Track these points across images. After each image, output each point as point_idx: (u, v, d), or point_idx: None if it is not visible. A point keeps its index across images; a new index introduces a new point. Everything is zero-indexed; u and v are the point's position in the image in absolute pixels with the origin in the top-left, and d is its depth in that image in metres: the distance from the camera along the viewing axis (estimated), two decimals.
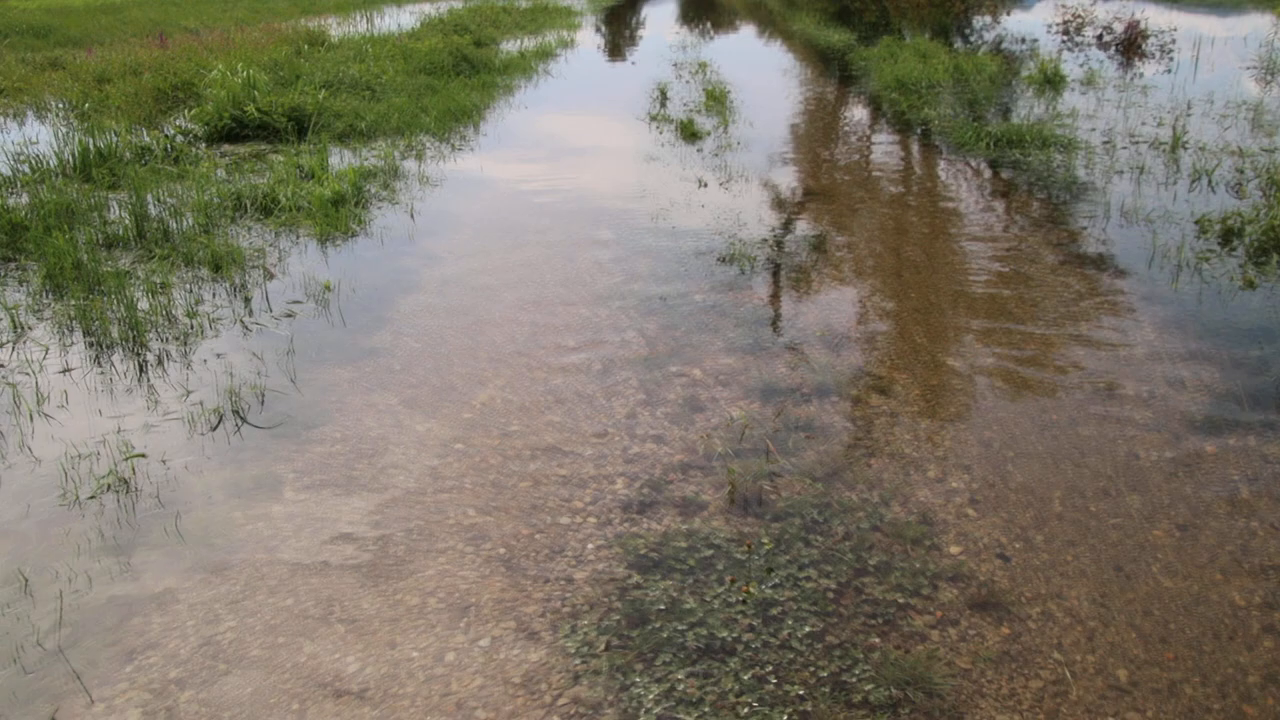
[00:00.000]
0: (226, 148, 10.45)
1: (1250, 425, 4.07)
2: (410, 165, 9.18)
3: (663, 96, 12.28)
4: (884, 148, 9.52)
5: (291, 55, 15.48)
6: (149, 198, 7.73)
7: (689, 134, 9.96)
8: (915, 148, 9.44)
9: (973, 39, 19.37)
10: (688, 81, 13.79)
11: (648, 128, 10.57)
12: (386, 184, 8.51)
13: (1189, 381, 4.45)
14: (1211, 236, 6.41)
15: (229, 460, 4.03)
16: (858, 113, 11.73)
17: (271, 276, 6.29)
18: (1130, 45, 16.60)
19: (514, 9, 26.83)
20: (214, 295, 5.95)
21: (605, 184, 8.26)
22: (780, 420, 4.21)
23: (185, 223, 7.24)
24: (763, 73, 15.15)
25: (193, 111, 11.51)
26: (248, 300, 5.87)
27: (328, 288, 6.02)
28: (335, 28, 23.62)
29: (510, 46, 18.93)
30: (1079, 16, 19.37)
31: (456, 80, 13.95)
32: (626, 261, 6.29)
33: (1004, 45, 17.83)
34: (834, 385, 4.56)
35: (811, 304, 5.64)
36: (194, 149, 10.32)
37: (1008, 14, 23.25)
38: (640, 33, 24.11)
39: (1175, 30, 16.75)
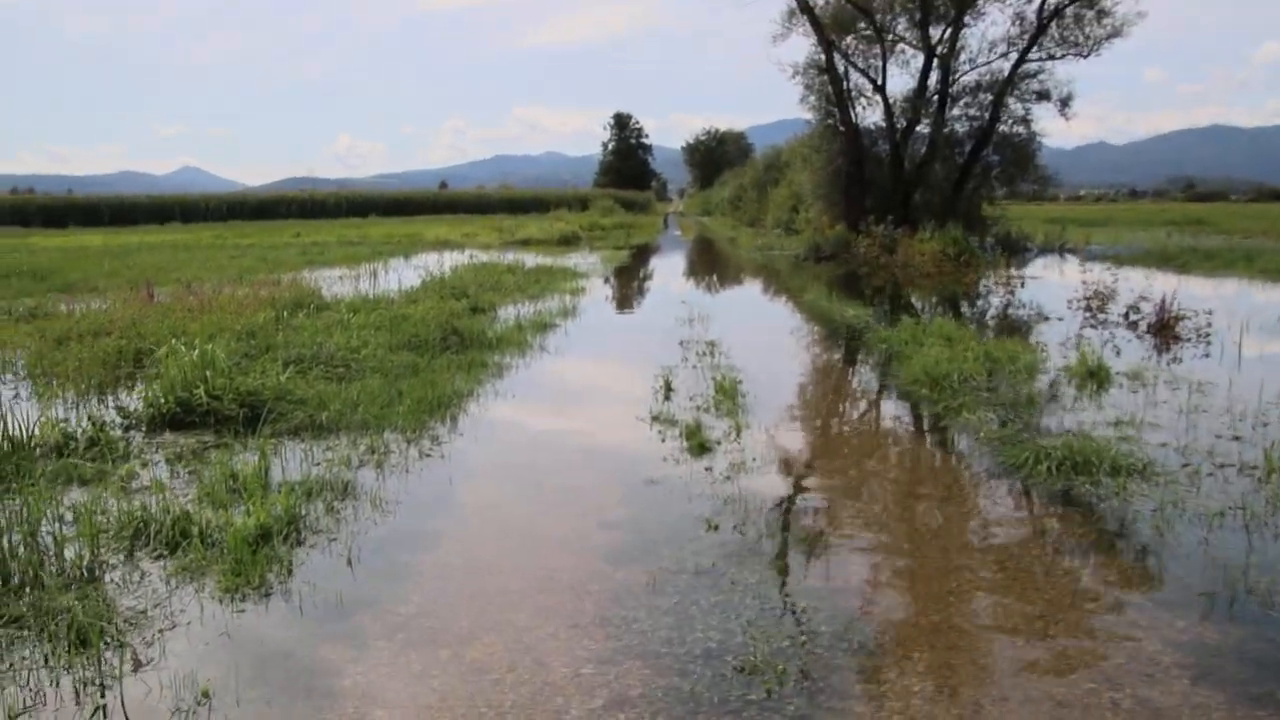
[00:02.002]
0: (168, 437, 9.12)
1: None
2: (366, 478, 7.73)
3: (667, 388, 10.98)
4: (927, 473, 8.07)
5: (271, 321, 14.39)
6: (46, 514, 6.28)
7: (696, 444, 8.55)
8: (965, 473, 7.98)
9: (989, 315, 18.40)
10: (694, 366, 12.57)
11: (649, 431, 9.19)
12: (331, 506, 7.03)
13: None
14: None
15: None
16: (888, 419, 10.36)
17: (139, 665, 4.71)
18: (1164, 327, 15.54)
19: (519, 269, 26.27)
20: (56, 698, 4.36)
21: (590, 524, 6.76)
22: None
23: (67, 557, 5.75)
24: (776, 356, 13.95)
25: (140, 391, 10.22)
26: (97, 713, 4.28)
27: (206, 695, 4.42)
28: (338, 282, 22.93)
29: (509, 313, 17.97)
30: (1101, 294, 18.47)
31: (442, 357, 12.75)
32: (617, 673, 4.69)
33: (1027, 322, 16.80)
34: None
35: None
36: (128, 439, 8.96)
37: (1021, 285, 22.47)
38: (645, 298, 23.32)
39: (1211, 313, 15.69)
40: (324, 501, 7.15)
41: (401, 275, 24.94)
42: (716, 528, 6.55)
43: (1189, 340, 14.57)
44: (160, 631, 5.06)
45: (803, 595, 5.48)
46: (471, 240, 42.80)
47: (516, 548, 6.30)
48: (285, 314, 15.02)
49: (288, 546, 6.24)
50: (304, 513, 6.82)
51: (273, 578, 5.76)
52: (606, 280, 26.91)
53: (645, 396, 10.75)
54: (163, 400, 9.63)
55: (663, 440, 8.92)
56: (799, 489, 7.52)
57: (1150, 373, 11.73)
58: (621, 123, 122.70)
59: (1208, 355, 13.36)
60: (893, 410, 10.68)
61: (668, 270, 33.81)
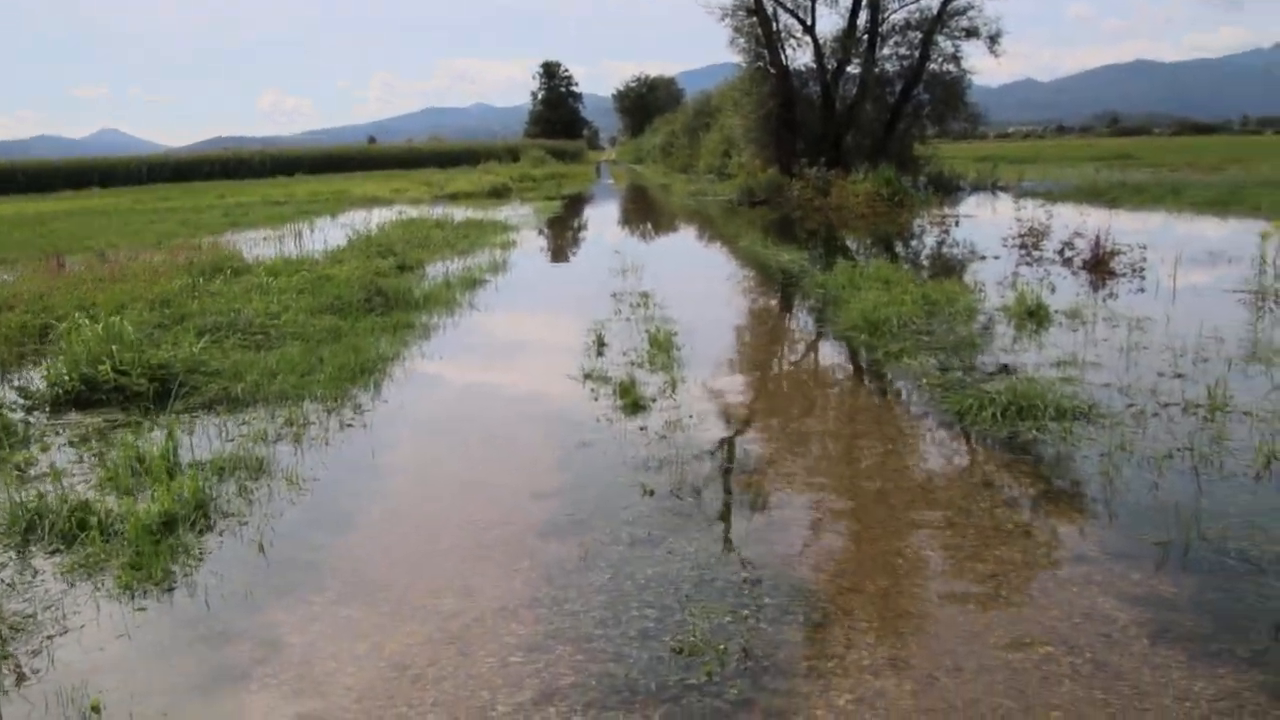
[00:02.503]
0: (73, 417, 8.61)
1: None
2: (283, 453, 7.30)
3: (599, 344, 10.62)
4: (870, 424, 7.80)
5: (188, 288, 13.78)
6: None
7: (630, 402, 8.22)
8: (908, 423, 7.72)
9: (925, 255, 18.23)
10: (628, 318, 12.21)
11: (581, 390, 8.84)
12: (244, 487, 6.60)
13: None
14: None
15: None
16: (827, 367, 10.09)
17: (22, 679, 4.30)
18: (1098, 263, 15.45)
19: (447, 224, 25.63)
20: None
21: (521, 495, 6.40)
22: None
23: None
24: (711, 305, 13.63)
25: (43, 369, 9.67)
26: None
27: (96, 710, 4.03)
28: (261, 244, 22.18)
29: (437, 270, 17.44)
30: (1036, 232, 18.34)
31: (366, 319, 12.26)
32: (547, 661, 4.37)
33: (963, 261, 16.64)
34: None
35: None
36: (29, 421, 8.45)
37: (956, 224, 22.33)
38: (577, 250, 22.85)
39: (1145, 248, 15.61)
40: (237, 481, 6.71)
41: (327, 235, 24.22)
42: (652, 492, 6.24)
43: (1124, 275, 14.50)
44: (49, 638, 4.65)
45: (743, 564, 5.19)
46: (400, 196, 41.86)
47: (440, 524, 5.93)
48: (201, 280, 14.39)
49: (196, 534, 5.83)
50: (214, 495, 6.38)
51: (177, 570, 5.36)
52: (538, 232, 26.39)
53: (578, 353, 10.39)
54: (66, 378, 9.08)
55: (595, 399, 8.58)
56: (737, 446, 7.22)
57: (1088, 310, 11.60)
58: (550, 71, 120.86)
59: (1142, 290, 13.29)
60: (831, 357, 10.43)
61: (600, 220, 33.30)
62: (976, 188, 35.20)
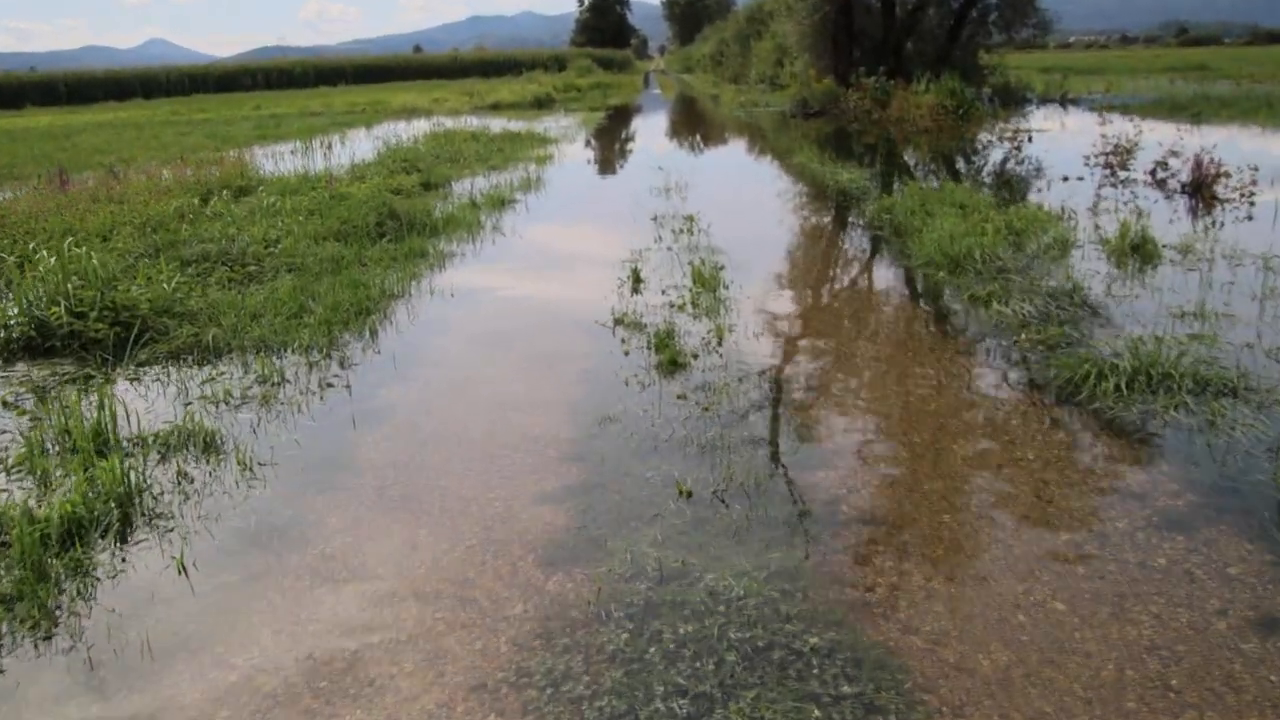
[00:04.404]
0: (20, 369, 7.35)
1: None
2: (243, 426, 6.00)
3: (635, 280, 9.18)
4: (961, 401, 6.30)
5: (191, 209, 12.44)
6: None
7: (667, 359, 6.81)
8: (1010, 403, 6.21)
9: (999, 175, 16.45)
10: (669, 247, 10.74)
11: (610, 342, 7.44)
12: (183, 474, 5.29)
13: None
14: None
15: None
16: (903, 318, 8.49)
17: None
18: (1200, 186, 13.67)
19: (483, 136, 24.10)
20: None
21: (522, 499, 5.03)
22: None
23: None
24: (763, 233, 12.08)
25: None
26: None
27: None
28: (288, 157, 20.81)
29: (464, 187, 15.98)
30: (1122, 149, 16.47)
31: (376, 246, 10.88)
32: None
33: (1042, 183, 14.89)
34: None
35: None
36: None
37: (1029, 140, 20.43)
38: (617, 166, 21.22)
39: (1257, 169, 13.79)
40: (180, 464, 5.40)
41: (358, 148, 22.82)
42: (689, 495, 4.84)
43: (1229, 202, 12.74)
44: None
45: (812, 620, 3.78)
46: (440, 106, 40.22)
47: (417, 542, 4.58)
48: (198, 202, 13.05)
49: (111, 543, 4.52)
50: (148, 484, 5.08)
51: (64, 608, 4.05)
52: (579, 145, 24.73)
53: (610, 290, 8.98)
54: (15, 321, 7.82)
55: (626, 353, 7.17)
56: (799, 429, 5.77)
57: (1202, 245, 9.93)
58: None
59: (1250, 219, 11.58)
60: (907, 305, 8.84)
61: (645, 132, 31.50)
62: (1045, 100, 32.93)
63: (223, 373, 7.02)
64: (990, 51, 35.15)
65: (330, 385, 6.72)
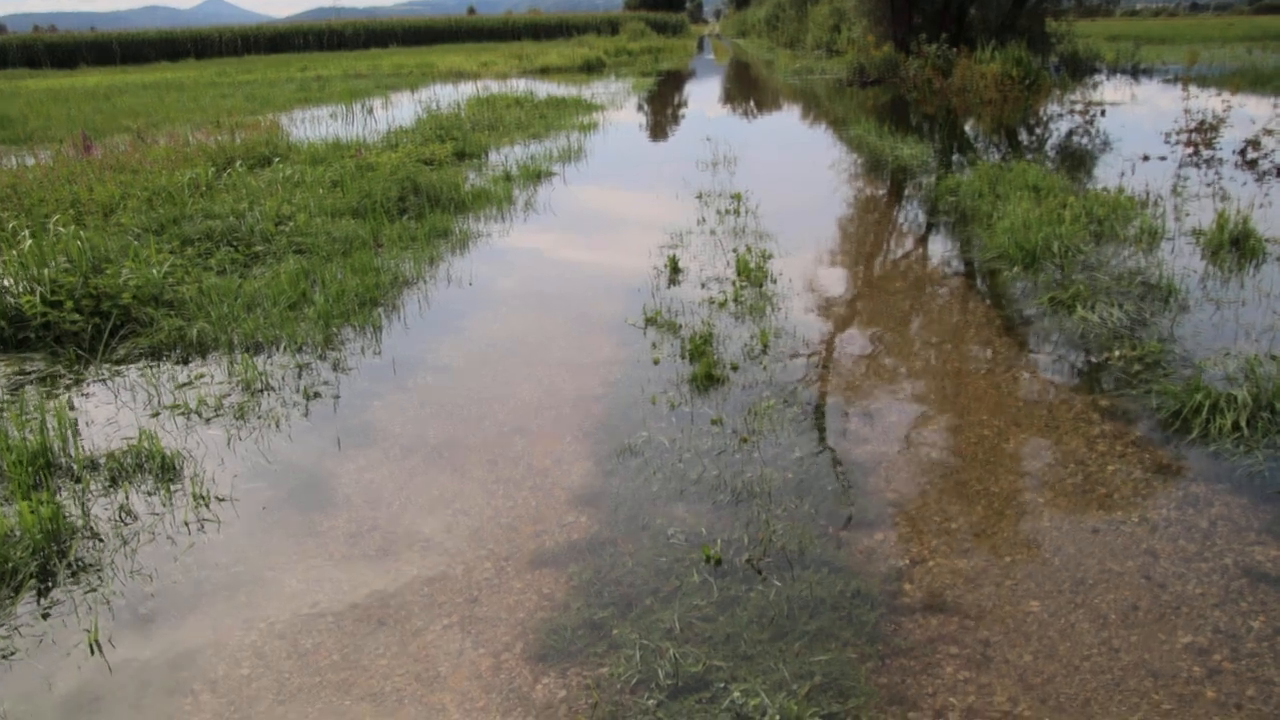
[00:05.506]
0: None
1: None
2: (213, 441, 5.18)
3: (673, 268, 8.27)
4: (1047, 435, 5.34)
5: (205, 180, 11.69)
6: None
7: (703, 371, 5.92)
8: (1106, 439, 5.25)
9: (1072, 152, 15.27)
10: (713, 230, 9.81)
11: (639, 345, 6.57)
12: (126, 510, 4.49)
13: None
14: None
15: None
16: (974, 325, 7.43)
17: None
18: None
19: (527, 101, 23.18)
20: None
21: (518, 560, 4.17)
22: None
23: None
24: (816, 213, 11.09)
25: None
26: None
27: None
28: (326, 121, 20.06)
29: (501, 158, 15.10)
30: (1209, 124, 15.22)
31: (396, 224, 10.05)
32: None
33: (1119, 162, 13.72)
34: None
35: None
36: None
37: (1102, 113, 19.13)
38: (664, 135, 20.20)
39: None
40: (129, 493, 4.61)
41: (399, 113, 22.01)
42: (718, 561, 3.96)
43: None
44: None
45: None
46: (488, 70, 39.33)
47: (385, 617, 3.75)
48: (213, 172, 12.27)
49: (13, 609, 3.73)
50: (80, 525, 4.28)
51: None
52: (628, 111, 23.70)
53: (645, 280, 8.10)
54: None
55: (656, 362, 6.29)
56: (856, 473, 4.85)
57: None
58: None
59: None
60: (979, 308, 7.80)
61: (696, 98, 30.34)
62: (1115, 70, 31.37)
63: (202, 375, 6.22)
64: (1058, 18, 33.56)
65: (317, 395, 5.91)
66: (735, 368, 6.10)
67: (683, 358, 6.29)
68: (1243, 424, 5.00)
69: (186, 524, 4.40)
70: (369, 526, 4.36)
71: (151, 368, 6.43)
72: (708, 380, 5.87)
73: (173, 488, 4.74)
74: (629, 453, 4.98)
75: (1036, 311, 7.19)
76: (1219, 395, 5.21)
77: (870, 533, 4.16)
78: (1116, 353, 6.16)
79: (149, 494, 4.68)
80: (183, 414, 5.63)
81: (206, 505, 4.57)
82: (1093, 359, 6.19)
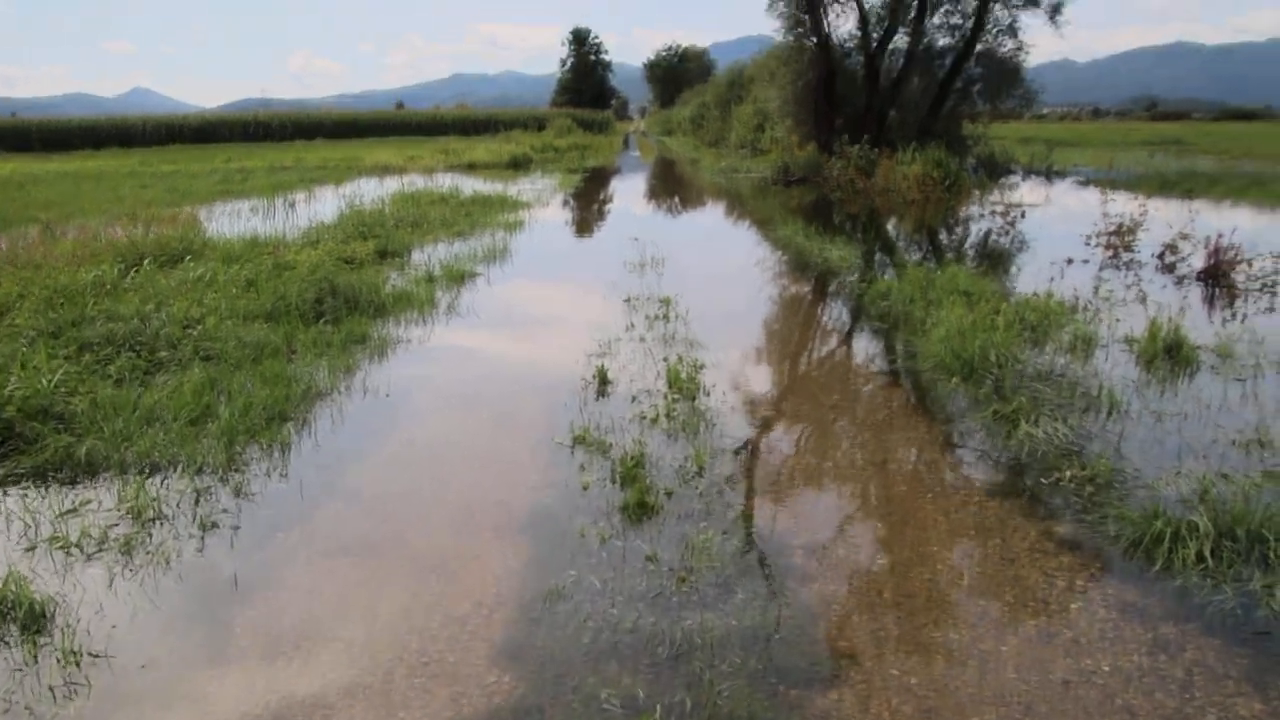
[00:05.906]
0: None
1: None
2: (92, 584, 4.63)
3: (602, 380, 7.91)
4: (1000, 575, 5.01)
5: (110, 280, 11.13)
6: None
7: (635, 499, 5.51)
8: (1066, 563, 4.93)
9: (998, 254, 15.34)
10: (642, 337, 9.50)
11: (566, 469, 6.14)
12: None
13: None
14: None
15: None
16: (916, 436, 7.18)
17: None
18: (1216, 274, 12.63)
19: (453, 198, 22.91)
20: None
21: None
22: None
23: None
24: (747, 318, 10.86)
25: None
26: None
27: None
28: (243, 217, 19.54)
29: (424, 256, 14.72)
30: (1127, 229, 15.44)
31: (311, 329, 9.57)
32: None
33: (1039, 261, 13.77)
34: None
35: None
36: None
37: (1021, 215, 19.37)
38: (590, 234, 20.00)
39: None
40: None
41: (321, 207, 21.58)
42: None
43: (1249, 291, 11.68)
44: None
45: None
46: (414, 164, 39.11)
47: None
48: (118, 271, 11.72)
49: None
50: None
51: None
52: (554, 208, 23.52)
53: (572, 394, 7.71)
54: None
55: (585, 488, 5.88)
56: (806, 618, 4.45)
57: (1241, 347, 8.78)
58: (580, 39, 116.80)
59: (1272, 309, 10.52)
60: (923, 425, 7.41)
61: (622, 197, 30.34)
62: (1030, 171, 32.15)
63: (89, 501, 5.68)
64: (974, 120, 34.39)
65: (215, 525, 5.38)
66: (670, 494, 5.71)
67: (613, 482, 5.89)
68: (1207, 554, 4.73)
69: (52, 689, 3.85)
70: (259, 692, 3.86)
71: (32, 491, 5.85)
72: (640, 509, 5.46)
73: (40, 642, 4.18)
74: (557, 596, 4.54)
75: (980, 427, 6.92)
76: (1179, 523, 4.95)
77: (825, 691, 3.77)
78: (1068, 473, 5.89)
79: (9, 649, 4.12)
80: (62, 548, 5.08)
81: (77, 664, 4.03)
82: (1042, 480, 5.91)
